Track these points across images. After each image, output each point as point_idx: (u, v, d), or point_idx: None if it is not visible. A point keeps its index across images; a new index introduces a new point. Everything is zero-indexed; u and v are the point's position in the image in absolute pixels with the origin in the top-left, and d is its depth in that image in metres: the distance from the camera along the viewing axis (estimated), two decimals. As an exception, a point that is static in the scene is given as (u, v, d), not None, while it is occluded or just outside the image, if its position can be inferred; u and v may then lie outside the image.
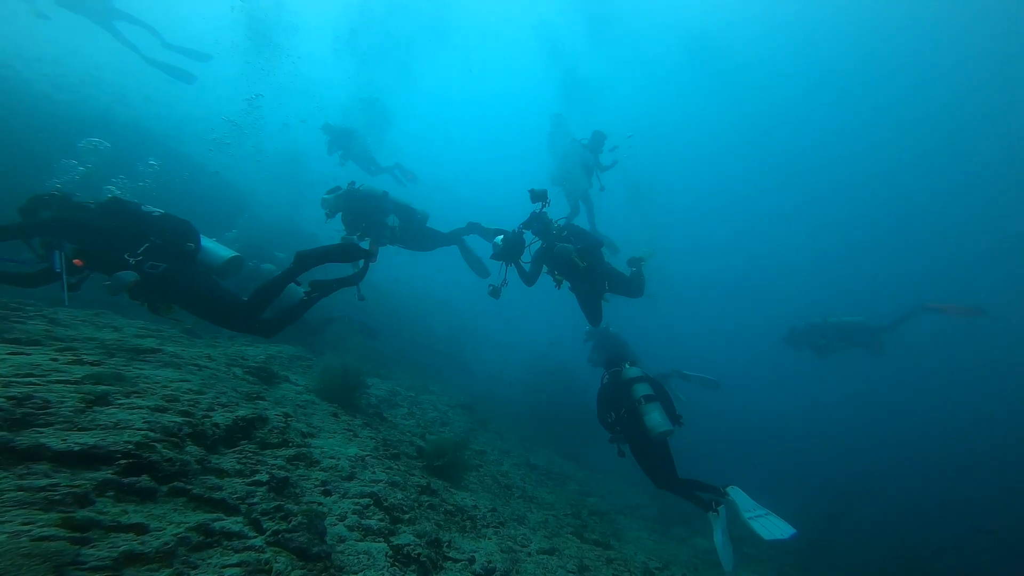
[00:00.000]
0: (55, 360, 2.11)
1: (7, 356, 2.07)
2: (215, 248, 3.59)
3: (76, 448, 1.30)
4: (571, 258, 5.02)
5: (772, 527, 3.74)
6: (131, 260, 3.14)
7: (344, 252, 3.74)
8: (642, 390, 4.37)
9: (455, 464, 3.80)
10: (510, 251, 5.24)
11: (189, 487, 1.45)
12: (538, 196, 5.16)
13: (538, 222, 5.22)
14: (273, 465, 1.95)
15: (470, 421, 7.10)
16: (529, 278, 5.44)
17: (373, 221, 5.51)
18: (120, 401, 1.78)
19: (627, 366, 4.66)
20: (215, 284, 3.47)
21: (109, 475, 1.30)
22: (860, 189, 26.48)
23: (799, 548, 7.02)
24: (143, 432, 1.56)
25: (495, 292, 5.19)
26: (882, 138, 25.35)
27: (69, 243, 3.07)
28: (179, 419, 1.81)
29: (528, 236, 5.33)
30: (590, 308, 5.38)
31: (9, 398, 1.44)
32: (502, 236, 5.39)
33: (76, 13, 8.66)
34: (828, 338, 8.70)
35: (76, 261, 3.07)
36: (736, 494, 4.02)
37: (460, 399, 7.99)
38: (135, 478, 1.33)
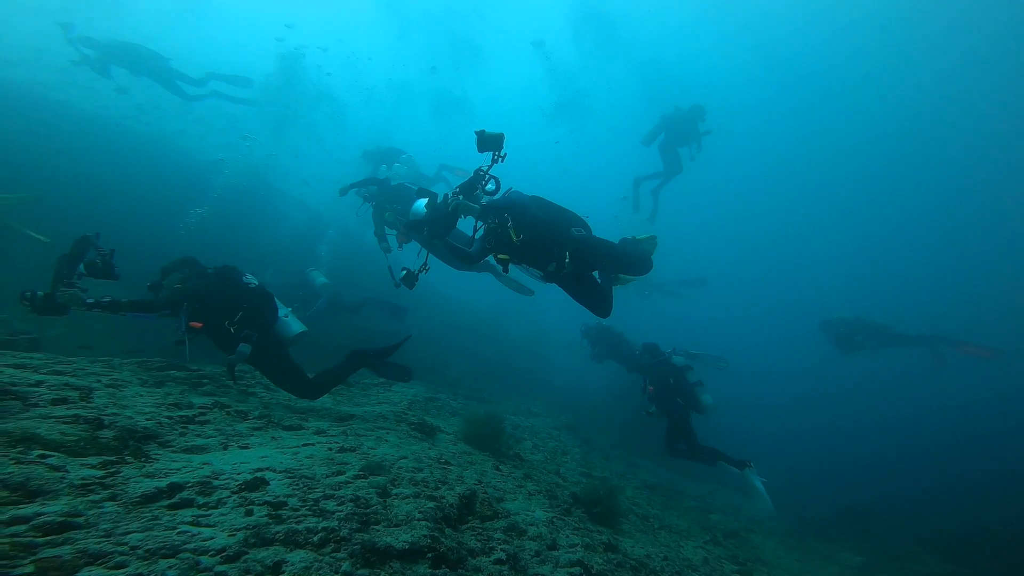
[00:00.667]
0: (330, 449, 2.84)
1: (301, 448, 2.84)
2: (291, 322, 3.93)
3: (405, 547, 1.83)
4: (506, 228, 3.64)
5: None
6: (231, 328, 3.45)
7: (390, 348, 4.08)
8: (694, 376, 5.53)
9: (612, 510, 4.04)
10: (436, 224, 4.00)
11: (468, 575, 1.92)
12: (490, 142, 3.63)
13: (472, 182, 3.87)
14: (499, 540, 2.39)
15: (580, 443, 7.33)
16: (469, 257, 3.95)
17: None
18: (394, 492, 2.37)
19: (674, 356, 5.77)
20: (287, 355, 3.78)
21: (427, 569, 1.80)
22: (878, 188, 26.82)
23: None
24: (425, 524, 2.08)
25: (410, 280, 3.95)
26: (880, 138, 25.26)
27: (189, 305, 3.41)
28: (431, 504, 2.33)
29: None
30: (587, 299, 3.99)
31: (353, 500, 2.05)
32: (426, 201, 4.37)
33: (149, 78, 9.81)
34: (865, 335, 9.01)
35: (195, 324, 3.38)
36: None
37: (562, 419, 8.35)
38: (445, 571, 1.82)
